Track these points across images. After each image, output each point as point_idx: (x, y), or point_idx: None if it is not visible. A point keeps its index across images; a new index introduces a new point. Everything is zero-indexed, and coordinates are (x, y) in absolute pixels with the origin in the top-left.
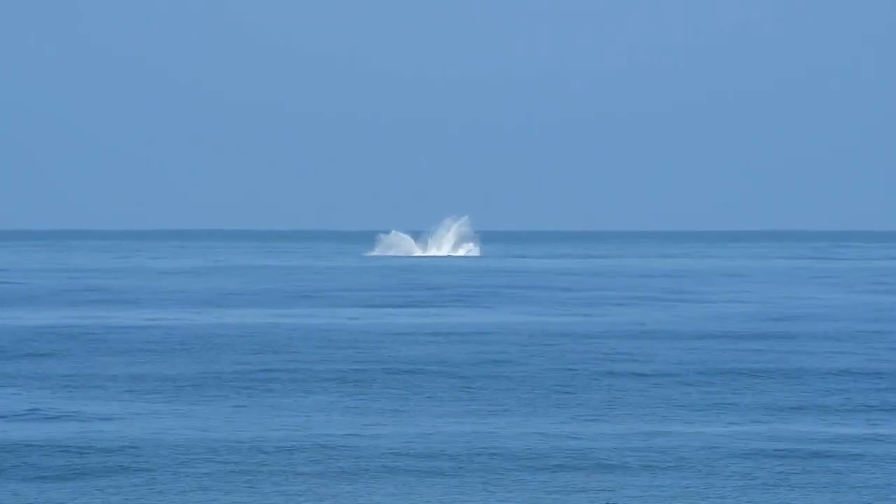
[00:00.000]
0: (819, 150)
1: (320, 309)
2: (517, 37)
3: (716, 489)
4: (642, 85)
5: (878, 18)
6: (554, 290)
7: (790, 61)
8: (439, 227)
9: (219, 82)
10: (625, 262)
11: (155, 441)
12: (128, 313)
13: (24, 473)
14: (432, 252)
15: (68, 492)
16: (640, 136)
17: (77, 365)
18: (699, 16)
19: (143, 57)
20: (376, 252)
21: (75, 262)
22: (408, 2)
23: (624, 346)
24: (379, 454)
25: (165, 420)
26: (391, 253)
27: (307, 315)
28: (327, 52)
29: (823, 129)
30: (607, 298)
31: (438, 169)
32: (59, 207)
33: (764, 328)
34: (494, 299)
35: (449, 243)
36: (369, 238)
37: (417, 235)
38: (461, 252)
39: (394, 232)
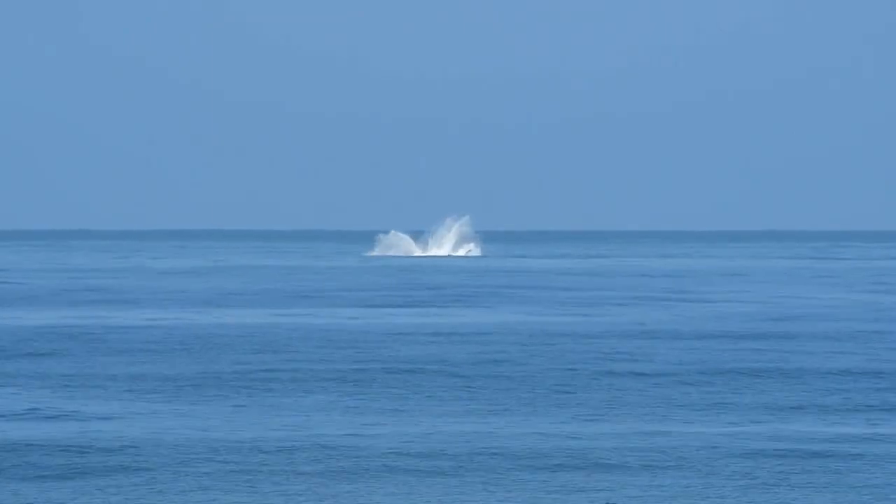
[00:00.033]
0: (819, 150)
1: (320, 309)
2: (517, 37)
3: (716, 489)
4: (642, 85)
5: (878, 18)
6: (554, 290)
7: (790, 61)
8: (440, 227)
9: (219, 82)
10: (625, 261)
11: (155, 441)
12: (128, 313)
13: (24, 473)
14: (433, 252)
15: (68, 491)
16: (640, 136)
17: (77, 365)
18: (699, 16)
19: (143, 57)
20: (376, 252)
21: (75, 262)
22: (408, 2)
23: (624, 346)
24: (379, 454)
25: (165, 420)
26: (391, 253)
27: (307, 315)
28: (327, 52)
29: (823, 129)
30: (607, 298)
31: (438, 169)
32: (59, 207)
33: (764, 328)
34: (494, 299)
35: (450, 243)
36: (369, 238)
37: (418, 235)
38: (461, 252)
39: (393, 232)
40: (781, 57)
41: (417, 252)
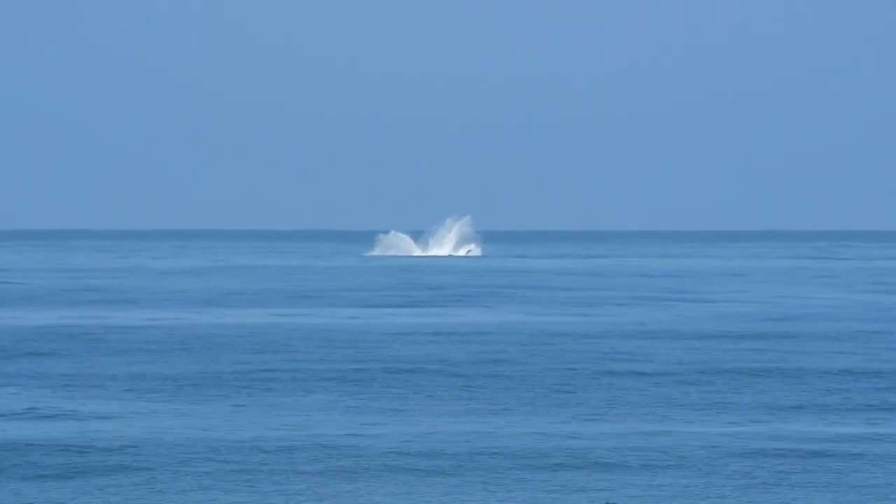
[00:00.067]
0: (819, 150)
1: (320, 309)
2: (517, 37)
3: (716, 488)
4: (642, 85)
5: (878, 18)
6: (554, 290)
7: (790, 61)
8: (440, 228)
9: (219, 82)
10: (625, 261)
11: (155, 440)
12: (128, 313)
13: (24, 472)
14: (433, 252)
15: (68, 491)
16: (640, 136)
17: (77, 364)
18: (699, 16)
19: (143, 57)
20: (376, 252)
21: (75, 262)
22: (408, 2)
23: (624, 346)
24: (379, 453)
25: (165, 419)
26: (391, 253)
27: (307, 315)
28: (327, 52)
29: (823, 129)
30: (607, 298)
31: (438, 169)
32: (59, 207)
33: (764, 328)
34: (495, 299)
35: (450, 243)
36: (369, 238)
37: (418, 235)
38: (462, 252)
39: (393, 232)
40: (781, 57)
41: (417, 252)
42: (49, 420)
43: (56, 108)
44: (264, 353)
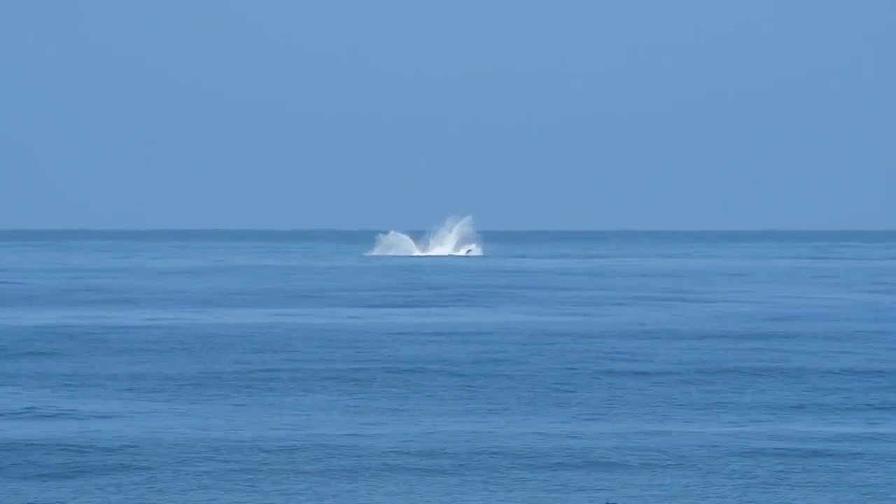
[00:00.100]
0: (819, 150)
1: (320, 308)
2: (517, 37)
3: (716, 488)
4: (642, 85)
5: (878, 18)
6: (554, 290)
7: (790, 61)
8: (441, 228)
9: (219, 82)
10: (625, 261)
11: (155, 440)
12: (128, 313)
13: (24, 472)
14: (433, 252)
15: (68, 490)
16: (640, 136)
17: (77, 364)
18: (699, 16)
19: (143, 57)
20: (376, 252)
21: (75, 262)
22: (408, 2)
23: (624, 346)
24: (379, 453)
25: (165, 419)
26: (391, 253)
27: (307, 314)
28: (327, 52)
29: (823, 129)
30: (607, 298)
31: (438, 169)
32: (59, 207)
33: (764, 328)
34: (495, 299)
35: (450, 243)
36: (369, 238)
37: (418, 235)
38: (462, 252)
39: (392, 232)
40: (781, 57)
41: (417, 252)
42: (49, 419)
43: (56, 108)
44: (264, 352)
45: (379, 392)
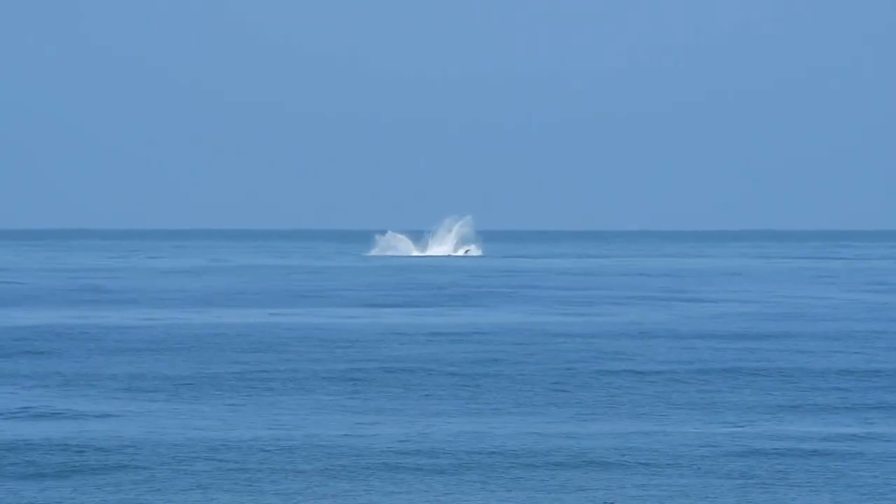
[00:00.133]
0: (819, 150)
1: (320, 308)
2: (517, 37)
3: (714, 488)
4: (642, 85)
5: (878, 18)
6: (553, 290)
7: (790, 61)
8: (440, 228)
9: (219, 82)
10: (624, 261)
11: (153, 439)
12: (127, 313)
13: (22, 471)
14: (432, 252)
15: (67, 490)
16: (640, 136)
17: (76, 364)
18: (699, 16)
19: (143, 57)
20: (374, 252)
21: (75, 262)
22: (408, 2)
23: (623, 346)
24: (378, 452)
25: (164, 418)
26: (389, 253)
27: (307, 314)
28: (327, 52)
29: (823, 129)
30: (606, 298)
31: (438, 169)
32: (59, 207)
33: (763, 327)
34: (494, 299)
35: (450, 243)
36: (369, 238)
37: (418, 235)
38: (460, 252)
39: (390, 232)
40: (781, 57)
41: (415, 252)
42: (48, 419)
43: (56, 108)
44: (263, 352)
45: (377, 392)
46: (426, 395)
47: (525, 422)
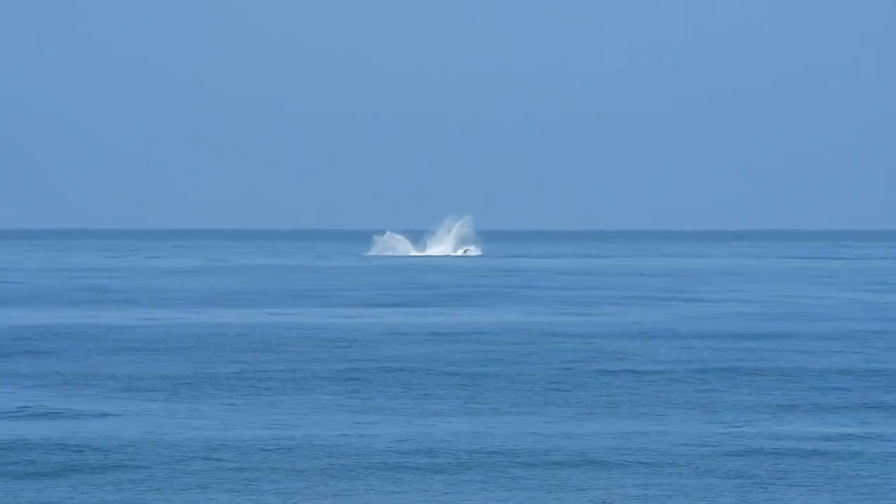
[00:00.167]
0: (819, 150)
1: (319, 308)
2: (517, 37)
3: (713, 487)
4: (642, 85)
5: (878, 18)
6: (553, 290)
7: (790, 61)
8: (440, 228)
9: (219, 82)
10: (624, 261)
11: (153, 439)
12: (127, 312)
13: (21, 470)
14: (431, 252)
15: (66, 489)
16: (640, 136)
17: (75, 363)
18: (699, 16)
19: (143, 57)
20: (373, 252)
21: (75, 262)
22: (408, 2)
23: (622, 345)
24: (377, 452)
25: (163, 418)
26: (388, 253)
27: (306, 314)
28: (327, 52)
29: (823, 129)
30: (606, 298)
31: (438, 169)
32: (59, 207)
33: (763, 327)
34: (493, 298)
35: (449, 243)
36: (369, 238)
37: (418, 235)
38: (459, 252)
39: (388, 233)
40: (781, 57)
41: (413, 252)
42: (47, 418)
43: (56, 108)
44: (262, 352)
45: (376, 391)
46: (425, 395)
47: (524, 421)
